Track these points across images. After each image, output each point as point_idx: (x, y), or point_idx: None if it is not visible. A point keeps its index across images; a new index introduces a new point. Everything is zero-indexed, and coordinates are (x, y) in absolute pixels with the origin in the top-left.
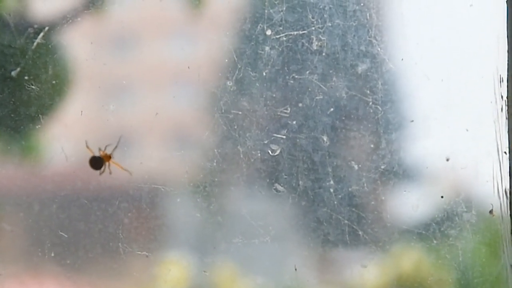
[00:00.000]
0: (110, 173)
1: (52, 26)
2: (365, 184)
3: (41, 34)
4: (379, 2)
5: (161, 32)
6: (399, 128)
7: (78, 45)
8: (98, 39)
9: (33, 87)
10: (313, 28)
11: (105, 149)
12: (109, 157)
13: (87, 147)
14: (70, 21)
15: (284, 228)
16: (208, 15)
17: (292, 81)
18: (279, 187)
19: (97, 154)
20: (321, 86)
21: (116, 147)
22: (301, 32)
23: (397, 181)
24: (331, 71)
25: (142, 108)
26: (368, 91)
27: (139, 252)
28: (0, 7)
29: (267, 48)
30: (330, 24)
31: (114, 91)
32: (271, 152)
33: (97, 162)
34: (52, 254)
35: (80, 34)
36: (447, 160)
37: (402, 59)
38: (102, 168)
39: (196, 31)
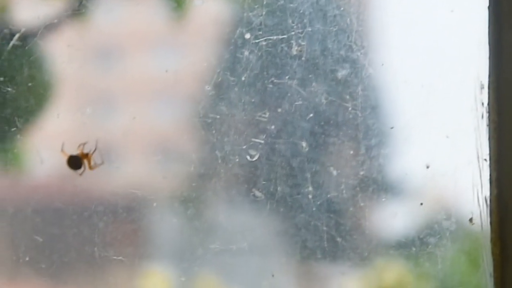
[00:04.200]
0: (91, 168)
1: (29, 28)
2: (344, 191)
3: (17, 35)
4: (360, 7)
5: (140, 37)
6: (379, 135)
7: (55, 48)
8: (75, 42)
9: (8, 89)
10: (293, 33)
11: (82, 147)
12: (86, 155)
13: (62, 150)
14: (48, 23)
15: (262, 234)
16: (187, 19)
17: (271, 86)
18: (257, 193)
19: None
20: (301, 91)
21: (95, 150)
22: (280, 37)
23: (376, 188)
24: (310, 76)
25: (119, 112)
26: (348, 97)
27: (115, 257)
28: None
29: (246, 52)
30: (310, 29)
31: (91, 94)
32: (250, 157)
33: (76, 162)
34: (27, 258)
35: (57, 37)
36: (427, 167)
37: (383, 65)
38: (82, 168)
39: (174, 35)
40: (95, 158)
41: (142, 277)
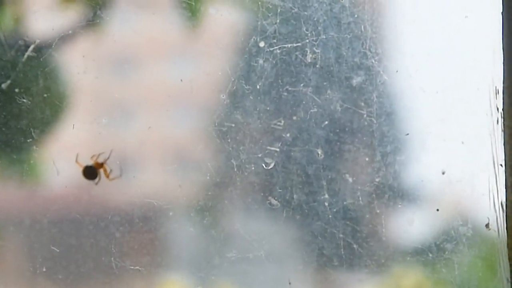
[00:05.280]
0: (108, 177)
1: (44, 40)
2: (360, 198)
3: (32, 46)
4: (374, 14)
5: (155, 46)
6: (394, 141)
7: (70, 58)
8: (90, 52)
9: (24, 100)
10: (307, 41)
11: (96, 158)
12: (101, 165)
13: (77, 161)
14: (63, 34)
15: (279, 242)
16: (201, 28)
17: (286, 94)
18: (273, 201)
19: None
20: (315, 98)
21: (108, 157)
22: (295, 45)
23: (392, 195)
24: (325, 84)
25: (134, 122)
26: (363, 104)
27: (132, 267)
28: None
29: (260, 61)
30: (324, 37)
31: (106, 105)
32: (265, 166)
33: (91, 172)
34: (44, 269)
35: (72, 48)
36: (443, 173)
37: (397, 71)
38: (97, 178)
39: (189, 44)
40: (112, 169)
41: (159, 286)
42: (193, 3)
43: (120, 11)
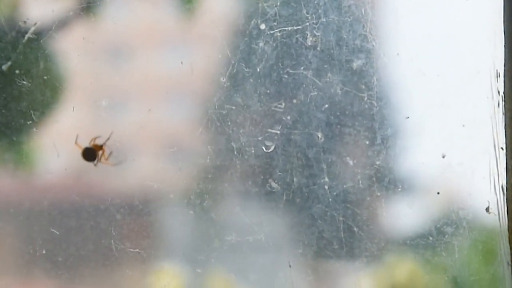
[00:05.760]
0: (106, 159)
1: (44, 21)
2: (360, 181)
3: (32, 28)
4: None
5: (155, 30)
6: (395, 124)
7: (70, 40)
8: (90, 35)
9: (24, 82)
10: (307, 23)
11: (94, 141)
12: (100, 147)
13: (76, 143)
14: (63, 16)
15: (279, 225)
16: (201, 11)
17: (286, 77)
18: (273, 184)
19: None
20: (316, 81)
21: (108, 139)
22: (295, 27)
23: (392, 178)
24: (325, 67)
25: (134, 104)
26: (363, 87)
27: (132, 249)
28: None
29: (261, 43)
30: (324, 20)
31: (106, 87)
32: (265, 149)
33: (90, 153)
34: (43, 252)
35: (72, 30)
36: (443, 156)
37: (398, 54)
38: (96, 160)
39: (189, 27)
40: (112, 151)
41: (159, 269)
42: None
43: None
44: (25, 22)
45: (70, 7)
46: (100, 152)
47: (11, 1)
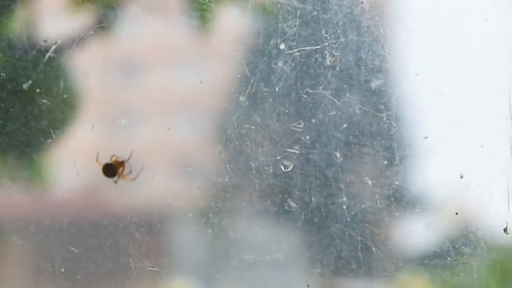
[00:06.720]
0: (124, 177)
1: (64, 41)
2: (378, 201)
3: (53, 47)
4: (393, 18)
5: (174, 48)
6: (413, 145)
7: (90, 59)
8: (109, 54)
9: (44, 100)
10: (326, 43)
11: (115, 158)
12: (121, 164)
13: (97, 160)
14: (83, 35)
15: (297, 244)
16: (220, 30)
17: (305, 96)
18: (292, 203)
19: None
20: (335, 101)
21: (129, 158)
22: (314, 47)
23: (410, 198)
24: (344, 86)
25: (153, 123)
26: (382, 107)
27: (150, 268)
28: (12, 21)
29: (280, 63)
30: (343, 40)
31: (125, 106)
32: (284, 168)
33: (111, 169)
34: (63, 270)
35: (92, 49)
36: (461, 177)
37: (416, 75)
38: (116, 177)
39: (209, 46)
40: (132, 170)
41: (177, 287)
42: (213, 5)
43: (139, 13)
44: (45, 41)
45: (90, 26)
46: (120, 169)
47: (31, 21)
